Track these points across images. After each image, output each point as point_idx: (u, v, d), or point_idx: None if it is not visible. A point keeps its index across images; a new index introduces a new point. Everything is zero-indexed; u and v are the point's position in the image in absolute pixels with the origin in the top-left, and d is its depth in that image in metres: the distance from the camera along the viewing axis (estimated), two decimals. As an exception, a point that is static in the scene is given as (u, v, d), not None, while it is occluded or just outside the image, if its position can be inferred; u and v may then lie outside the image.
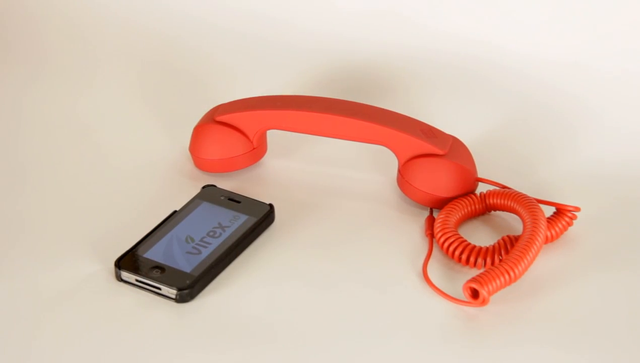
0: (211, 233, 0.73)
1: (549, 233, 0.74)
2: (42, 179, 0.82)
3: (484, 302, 0.67)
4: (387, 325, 0.67)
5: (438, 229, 0.74)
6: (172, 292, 0.68)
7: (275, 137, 0.84)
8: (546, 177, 0.83)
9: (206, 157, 0.82)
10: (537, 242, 0.70)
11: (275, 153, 0.85)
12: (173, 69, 0.98)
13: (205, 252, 0.71)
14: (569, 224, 0.75)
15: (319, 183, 0.83)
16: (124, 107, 0.93)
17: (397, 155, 0.79)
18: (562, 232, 0.75)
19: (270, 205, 0.76)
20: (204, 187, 0.78)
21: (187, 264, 0.69)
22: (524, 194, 0.75)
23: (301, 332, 0.66)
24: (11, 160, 0.86)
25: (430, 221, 0.77)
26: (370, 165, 0.84)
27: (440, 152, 0.78)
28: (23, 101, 0.94)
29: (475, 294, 0.68)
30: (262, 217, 0.75)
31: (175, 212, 0.75)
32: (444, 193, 0.77)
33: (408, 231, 0.77)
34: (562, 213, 0.75)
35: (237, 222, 0.74)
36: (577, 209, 0.75)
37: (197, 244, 0.71)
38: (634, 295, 0.70)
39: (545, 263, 0.72)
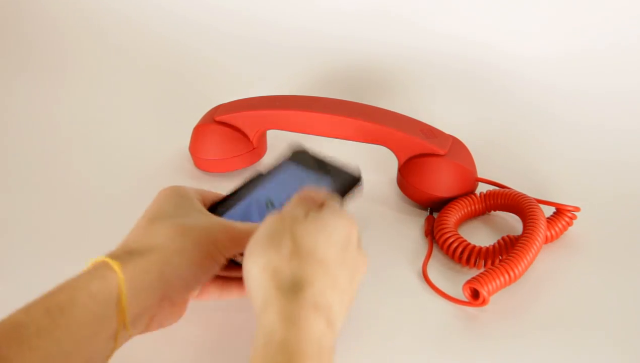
0: (291, 195, 0.66)
1: (548, 233, 0.74)
2: (41, 180, 0.82)
3: (484, 302, 0.67)
4: (387, 325, 0.67)
5: (438, 229, 0.74)
6: None
7: (275, 137, 0.85)
8: (546, 177, 0.83)
9: (206, 157, 0.82)
10: (536, 242, 0.70)
11: (275, 153, 0.85)
12: (173, 69, 0.99)
13: None
14: (569, 224, 0.75)
15: (318, 183, 0.83)
16: (124, 107, 0.93)
17: (397, 155, 0.79)
18: (561, 232, 0.75)
19: (358, 173, 0.70)
20: (293, 151, 0.72)
21: None
22: (524, 194, 0.75)
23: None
24: (11, 160, 0.86)
25: (430, 221, 0.77)
26: (370, 165, 0.84)
27: (440, 152, 0.78)
28: (22, 101, 0.94)
29: (475, 294, 0.68)
30: (347, 184, 0.69)
31: (260, 174, 0.70)
32: (444, 193, 0.77)
33: (408, 231, 0.77)
34: (561, 213, 0.75)
35: (321, 185, 0.68)
36: (577, 209, 0.75)
37: (275, 208, 0.67)
38: (633, 295, 0.71)
39: (545, 263, 0.73)
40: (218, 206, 0.66)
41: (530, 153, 0.87)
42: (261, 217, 0.64)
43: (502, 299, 0.68)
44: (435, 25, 0.98)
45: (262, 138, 0.83)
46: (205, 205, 0.64)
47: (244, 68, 0.98)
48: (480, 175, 0.80)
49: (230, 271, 0.64)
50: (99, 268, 0.54)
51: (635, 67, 0.93)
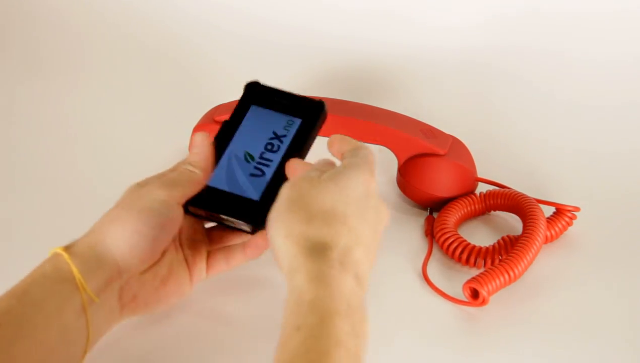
0: (269, 147, 0.66)
1: (548, 233, 0.74)
2: (42, 180, 0.82)
3: (484, 302, 0.67)
4: (387, 325, 0.67)
5: (438, 229, 0.74)
6: (247, 227, 0.65)
7: (275, 137, 0.84)
8: (546, 177, 0.83)
9: (206, 157, 0.82)
10: (536, 242, 0.70)
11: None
12: (173, 69, 0.98)
13: (269, 172, 0.65)
14: (569, 224, 0.75)
15: (319, 183, 0.82)
16: (123, 107, 0.93)
17: (396, 155, 0.79)
18: (561, 232, 0.75)
19: (321, 102, 0.69)
20: (247, 86, 0.71)
21: (253, 190, 0.65)
22: (523, 194, 0.75)
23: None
24: (8, 160, 0.86)
25: (430, 221, 0.77)
26: (370, 165, 0.84)
27: (440, 152, 0.77)
28: (20, 100, 0.94)
29: (475, 294, 0.68)
30: (315, 119, 0.68)
31: (226, 123, 0.68)
32: (444, 193, 0.77)
33: (408, 231, 0.77)
34: (561, 213, 0.75)
35: (292, 128, 0.67)
36: (577, 209, 0.75)
37: (258, 163, 0.66)
38: (633, 295, 0.70)
39: (545, 263, 0.72)
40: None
41: (531, 153, 0.86)
42: (246, 174, 0.65)
43: (502, 299, 0.68)
44: (435, 24, 0.98)
45: (262, 138, 0.83)
46: None
47: (244, 68, 0.98)
48: (480, 175, 0.80)
49: (229, 239, 0.67)
50: (51, 257, 0.59)
51: (635, 70, 0.93)
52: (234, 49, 0.99)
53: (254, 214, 0.64)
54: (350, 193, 0.57)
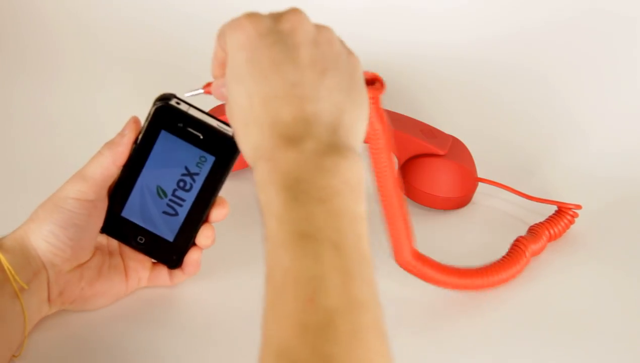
0: (181, 184, 0.64)
1: (551, 232, 0.74)
2: (42, 179, 0.82)
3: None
4: (387, 326, 0.67)
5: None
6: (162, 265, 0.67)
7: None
8: (547, 176, 0.83)
9: (205, 156, 0.81)
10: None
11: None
12: (173, 68, 0.98)
13: (182, 213, 0.65)
14: (571, 222, 0.75)
15: (318, 183, 0.82)
16: (122, 107, 0.93)
17: (397, 155, 0.79)
18: (564, 231, 0.75)
19: (232, 139, 0.63)
20: (157, 100, 0.65)
21: (168, 230, 0.65)
22: None
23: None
24: (8, 160, 0.85)
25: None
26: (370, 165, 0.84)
27: (440, 152, 0.78)
28: (20, 100, 0.94)
29: None
30: (229, 158, 0.64)
31: (136, 147, 0.64)
32: (444, 193, 0.77)
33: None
34: (563, 211, 0.75)
35: (204, 166, 0.64)
36: (579, 207, 0.75)
37: (170, 201, 0.64)
38: (636, 292, 0.71)
39: (548, 262, 0.73)
40: (114, 200, 0.65)
41: (531, 152, 0.87)
42: (159, 210, 0.65)
43: (503, 297, 0.68)
44: (435, 23, 0.98)
45: (262, 138, 0.83)
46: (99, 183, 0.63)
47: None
48: (480, 175, 0.80)
49: None
50: None
51: (637, 70, 0.93)
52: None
53: (169, 255, 0.66)
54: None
